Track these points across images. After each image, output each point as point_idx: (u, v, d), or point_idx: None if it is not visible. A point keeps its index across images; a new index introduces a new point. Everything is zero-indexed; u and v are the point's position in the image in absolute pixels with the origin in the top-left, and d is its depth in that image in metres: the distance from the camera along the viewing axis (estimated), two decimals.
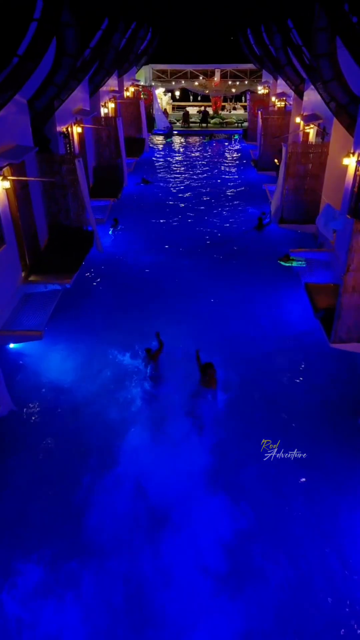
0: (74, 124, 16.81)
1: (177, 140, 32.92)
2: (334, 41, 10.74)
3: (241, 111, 40.11)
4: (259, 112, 23.96)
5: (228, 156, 28.63)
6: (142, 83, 34.96)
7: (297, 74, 18.24)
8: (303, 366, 10.18)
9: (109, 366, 10.12)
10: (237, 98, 41.73)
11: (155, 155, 28.74)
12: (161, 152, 29.64)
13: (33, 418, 8.80)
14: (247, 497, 7.16)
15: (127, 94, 28.51)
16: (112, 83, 24.32)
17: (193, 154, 29.13)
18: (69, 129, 16.30)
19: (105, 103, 22.43)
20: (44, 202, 13.37)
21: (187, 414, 8.55)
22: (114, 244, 16.29)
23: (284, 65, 18.03)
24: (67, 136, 15.68)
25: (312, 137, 17.20)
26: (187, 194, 21.46)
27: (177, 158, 28.15)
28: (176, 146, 31.47)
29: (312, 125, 16.84)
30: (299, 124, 19.18)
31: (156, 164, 26.49)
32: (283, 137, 19.96)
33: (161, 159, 27.83)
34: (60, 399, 9.23)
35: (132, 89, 30.01)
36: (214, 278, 14.03)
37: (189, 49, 37.42)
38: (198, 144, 31.92)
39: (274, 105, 24.47)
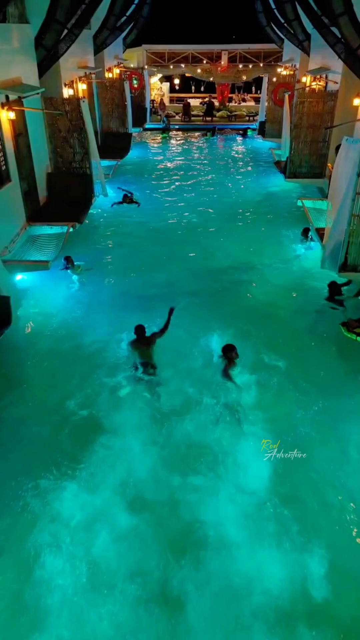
0: (2, 107, 10.33)
1: (177, 137, 26.27)
2: None
3: (251, 103, 33.60)
4: (286, 96, 17.46)
5: (242, 157, 21.97)
6: (132, 66, 28.40)
7: (357, 28, 11.68)
8: None
9: None
10: (247, 88, 35.22)
11: (147, 156, 22.08)
12: (155, 152, 23.00)
13: None
14: None
15: (109, 75, 21.97)
16: (85, 57, 17.82)
17: (196, 155, 22.48)
18: None
19: (71, 82, 15.92)
20: None
21: None
22: (62, 308, 9.75)
23: (338, 15, 11.47)
24: None
25: None
26: (187, 215, 14.83)
27: (175, 160, 21.52)
28: (175, 144, 24.83)
29: None
30: (357, 107, 12.65)
31: (146, 169, 19.80)
32: (329, 127, 13.46)
33: (154, 162, 21.19)
34: None
35: (117, 71, 23.48)
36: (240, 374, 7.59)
37: (190, 26, 30.95)
38: (201, 141, 25.28)
39: (305, 87, 17.87)
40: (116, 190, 15.54)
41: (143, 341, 7.70)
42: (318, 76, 16.65)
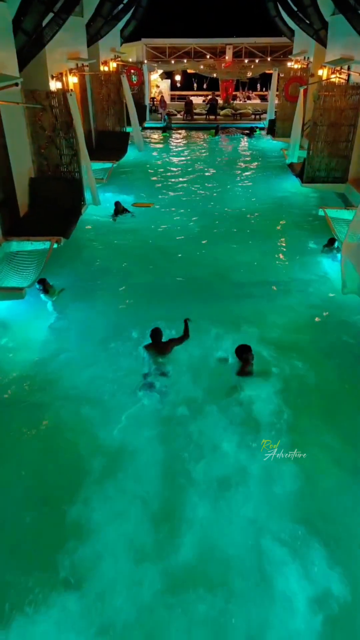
0: None
1: (178, 137, 24.44)
2: None
3: (257, 101, 31.84)
4: (301, 91, 15.66)
5: (251, 159, 20.11)
6: (130, 60, 26.53)
7: None
8: None
9: None
10: (252, 85, 33.42)
11: (146, 157, 20.22)
12: (155, 153, 21.16)
13: None
14: None
15: (105, 69, 20.12)
16: (77, 48, 15.97)
17: (200, 156, 20.64)
18: None
19: (60, 74, 14.07)
20: None
21: None
22: (36, 346, 7.90)
23: None
24: None
25: None
26: (191, 225, 13.02)
27: (176, 162, 19.71)
28: (176, 144, 23.01)
29: None
30: None
31: (144, 172, 17.98)
32: None
33: (154, 164, 19.36)
34: None
35: (114, 65, 21.63)
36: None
37: (191, 19, 29.13)
38: (205, 141, 23.44)
39: (325, 80, 15.98)
40: (110, 197, 13.75)
41: (159, 347, 6.88)
42: (338, 68, 14.81)
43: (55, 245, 9.97)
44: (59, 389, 7.05)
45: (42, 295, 8.55)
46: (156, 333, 6.93)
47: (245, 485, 5.56)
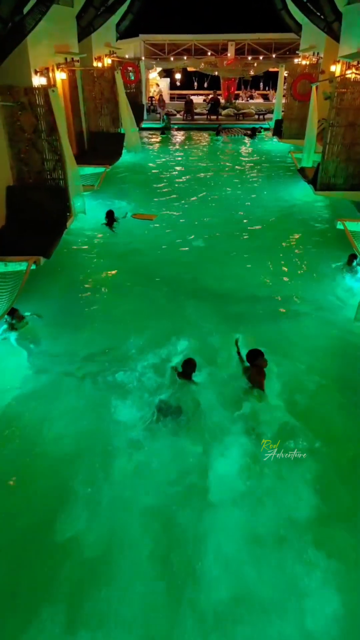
0: None
1: (178, 138, 22.98)
2: None
3: (259, 100, 30.49)
4: (313, 88, 14.27)
5: (255, 162, 18.63)
6: (127, 57, 25.08)
7: None
8: None
9: None
10: (254, 84, 32.07)
11: (143, 160, 18.77)
12: (153, 156, 19.70)
13: None
14: None
15: (99, 65, 18.66)
16: (66, 41, 14.53)
17: (200, 159, 19.18)
18: None
19: (46, 69, 12.62)
20: None
21: None
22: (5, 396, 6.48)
23: None
24: None
25: None
26: (191, 238, 11.59)
27: (176, 165, 18.24)
28: (176, 146, 21.55)
29: None
30: None
31: (140, 177, 16.51)
32: None
33: (151, 168, 17.91)
34: None
35: (108, 61, 20.17)
36: None
37: (192, 14, 27.73)
38: (206, 142, 21.99)
39: (341, 76, 14.54)
40: (103, 205, 12.34)
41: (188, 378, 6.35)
42: (355, 62, 13.36)
43: (33, 267, 8.53)
44: (24, 451, 5.67)
45: (4, 327, 7.11)
46: (191, 365, 6.34)
47: (268, 614, 4.15)
